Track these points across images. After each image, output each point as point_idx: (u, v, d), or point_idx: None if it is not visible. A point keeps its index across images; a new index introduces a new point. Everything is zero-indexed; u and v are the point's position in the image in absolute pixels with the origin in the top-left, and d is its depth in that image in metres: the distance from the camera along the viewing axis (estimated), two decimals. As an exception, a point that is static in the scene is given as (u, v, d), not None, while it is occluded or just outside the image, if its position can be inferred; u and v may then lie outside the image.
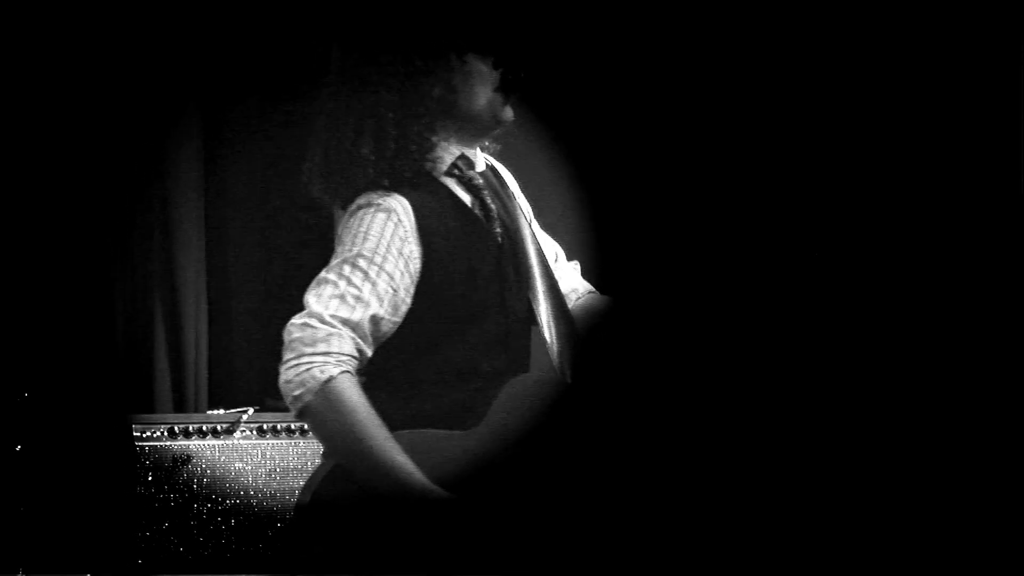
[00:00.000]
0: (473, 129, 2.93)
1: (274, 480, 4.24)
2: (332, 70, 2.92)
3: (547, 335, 2.89)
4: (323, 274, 2.76)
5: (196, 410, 4.67)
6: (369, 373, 2.82)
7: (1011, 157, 3.91)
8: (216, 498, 4.20)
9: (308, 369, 2.69)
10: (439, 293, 2.81)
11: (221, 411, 4.34)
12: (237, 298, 4.89)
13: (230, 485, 4.21)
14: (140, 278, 4.77)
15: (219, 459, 4.23)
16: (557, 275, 3.02)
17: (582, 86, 4.23)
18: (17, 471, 4.16)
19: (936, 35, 3.95)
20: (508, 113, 2.94)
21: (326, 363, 2.69)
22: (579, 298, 3.11)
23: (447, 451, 2.73)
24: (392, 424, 2.71)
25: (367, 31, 2.90)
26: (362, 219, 2.78)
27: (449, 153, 2.91)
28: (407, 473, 2.67)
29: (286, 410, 4.33)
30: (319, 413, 2.69)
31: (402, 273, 2.77)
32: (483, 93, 2.91)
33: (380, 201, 2.79)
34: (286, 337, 2.73)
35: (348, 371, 2.70)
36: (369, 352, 2.75)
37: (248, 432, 4.27)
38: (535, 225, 3.09)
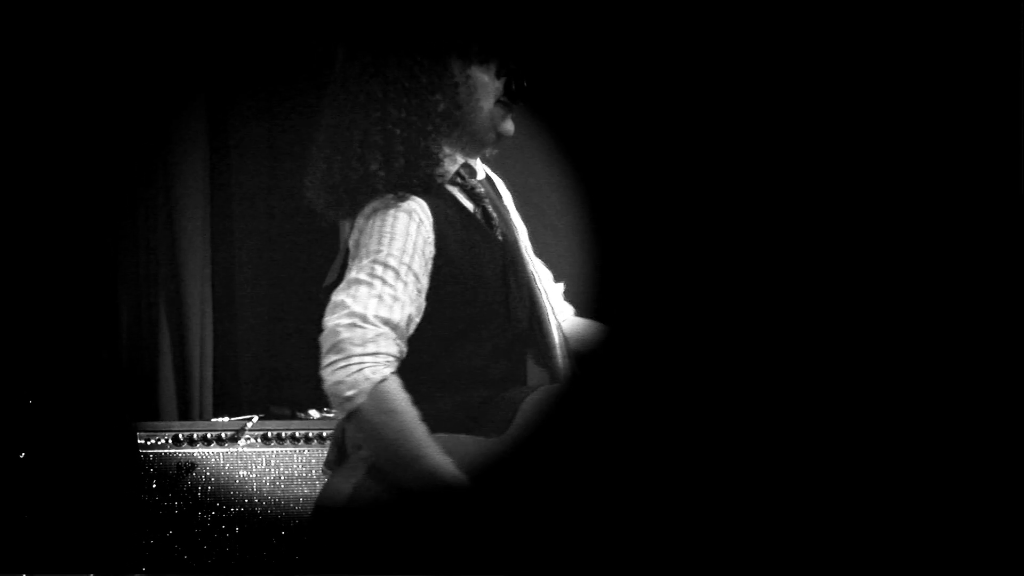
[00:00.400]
0: (476, 141, 2.94)
1: (279, 488, 4.24)
2: (334, 83, 2.91)
3: (555, 340, 2.91)
4: (354, 275, 2.74)
5: (201, 418, 4.66)
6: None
7: (1011, 157, 3.91)
8: (220, 506, 4.21)
9: (360, 370, 2.66)
10: (449, 298, 2.82)
11: (226, 419, 4.35)
12: (242, 306, 4.89)
13: (234, 493, 4.21)
14: (145, 286, 4.77)
15: (224, 467, 4.24)
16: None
17: (582, 94, 4.24)
18: (22, 479, 4.16)
19: (936, 35, 3.95)
20: (509, 125, 2.95)
21: (376, 363, 2.67)
22: (564, 320, 3.12)
23: (477, 456, 2.73)
24: None
25: (371, 40, 2.91)
26: (384, 220, 2.77)
27: (454, 163, 2.92)
28: (452, 475, 2.68)
29: (291, 418, 4.42)
30: (371, 414, 2.67)
31: (425, 274, 2.78)
32: (486, 106, 2.92)
33: (400, 203, 2.79)
34: (331, 338, 2.69)
35: (396, 372, 2.70)
36: (405, 353, 2.75)
37: (253, 440, 4.27)
38: (527, 238, 3.11)
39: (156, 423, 4.41)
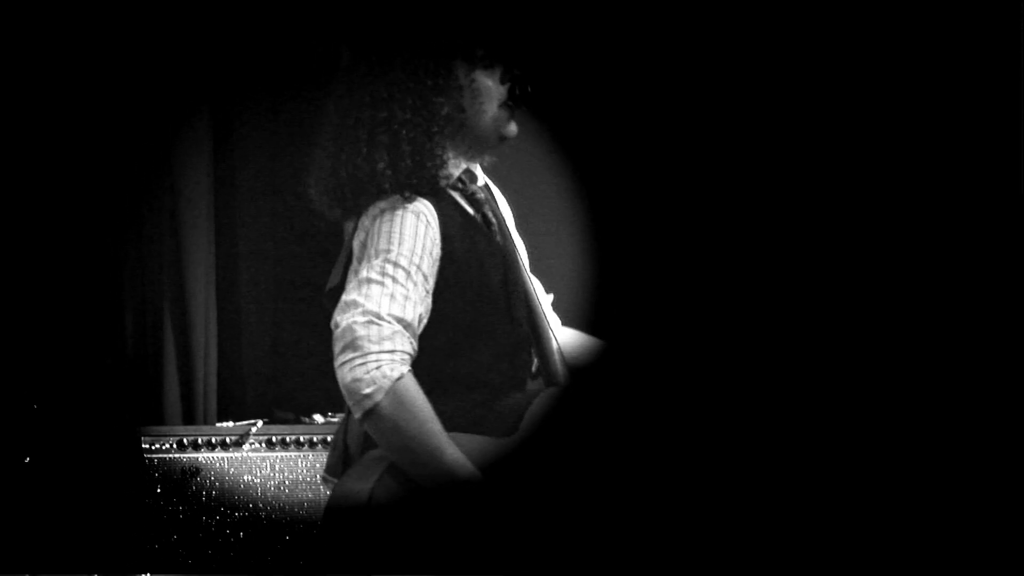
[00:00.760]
0: (479, 145, 2.95)
1: (283, 492, 4.24)
2: (339, 84, 2.92)
3: (553, 345, 2.92)
4: (365, 274, 2.75)
5: (205, 422, 4.65)
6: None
7: (1011, 157, 3.91)
8: (225, 510, 4.20)
9: (378, 367, 2.67)
10: (453, 300, 2.83)
11: (230, 423, 4.35)
12: (246, 311, 4.89)
13: (239, 497, 4.20)
14: (150, 290, 4.77)
15: (228, 471, 4.23)
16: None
17: (584, 97, 4.24)
18: (26, 484, 4.16)
19: (936, 35, 3.95)
20: (512, 128, 2.96)
21: (393, 361, 2.68)
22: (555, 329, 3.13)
23: (491, 455, 2.74)
24: None
25: (377, 43, 2.92)
26: (393, 221, 2.79)
27: (456, 167, 2.93)
28: (469, 472, 2.69)
29: (295, 423, 4.42)
30: (389, 411, 2.67)
31: (433, 276, 2.79)
32: (490, 110, 2.93)
33: (407, 204, 2.81)
34: (346, 336, 2.69)
35: (411, 369, 2.70)
36: (417, 351, 2.75)
37: (257, 444, 4.27)
38: (523, 247, 3.12)
39: (160, 428, 4.41)
